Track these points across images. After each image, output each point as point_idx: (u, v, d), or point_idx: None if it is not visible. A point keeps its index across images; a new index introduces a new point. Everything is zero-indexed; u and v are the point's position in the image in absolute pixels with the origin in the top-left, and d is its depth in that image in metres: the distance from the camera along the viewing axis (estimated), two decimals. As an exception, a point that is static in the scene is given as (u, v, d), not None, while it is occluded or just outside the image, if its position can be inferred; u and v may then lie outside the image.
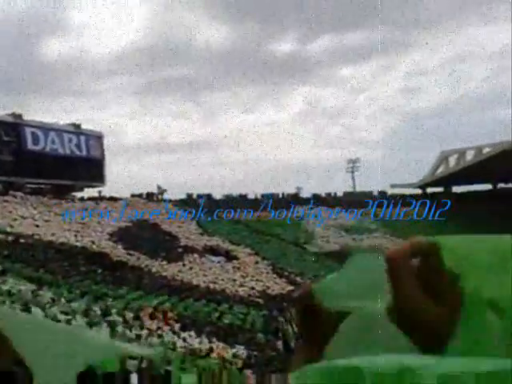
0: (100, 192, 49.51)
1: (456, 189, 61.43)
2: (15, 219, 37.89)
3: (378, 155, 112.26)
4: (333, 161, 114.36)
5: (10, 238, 32.63)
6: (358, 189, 63.82)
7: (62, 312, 19.75)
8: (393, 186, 62.17)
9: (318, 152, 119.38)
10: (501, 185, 61.32)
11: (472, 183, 60.35)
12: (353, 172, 65.68)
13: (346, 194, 61.72)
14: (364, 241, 52.02)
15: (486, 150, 53.31)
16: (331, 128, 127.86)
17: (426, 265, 0.53)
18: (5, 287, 20.84)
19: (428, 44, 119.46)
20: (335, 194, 60.76)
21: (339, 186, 64.77)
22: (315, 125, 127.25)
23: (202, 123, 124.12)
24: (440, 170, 59.04)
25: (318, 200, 58.56)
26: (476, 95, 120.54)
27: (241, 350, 21.78)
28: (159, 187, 53.14)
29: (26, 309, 17.59)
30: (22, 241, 32.79)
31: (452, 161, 57.69)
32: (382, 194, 61.59)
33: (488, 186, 61.49)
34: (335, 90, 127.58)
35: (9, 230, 34.94)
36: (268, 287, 35.42)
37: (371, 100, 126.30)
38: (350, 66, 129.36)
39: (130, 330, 20.50)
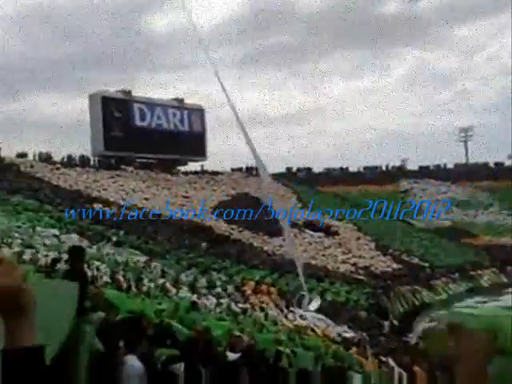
0: (202, 166, 50.60)
1: None
2: (127, 193, 39.78)
3: (494, 122, 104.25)
4: (443, 129, 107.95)
5: (123, 211, 34.26)
6: (471, 160, 59.68)
7: (171, 284, 20.25)
8: (510, 157, 57.38)
9: (427, 120, 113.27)
10: None
11: None
12: (465, 141, 61.37)
13: (458, 165, 57.96)
14: (478, 217, 48.70)
15: None
16: (441, 93, 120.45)
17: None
18: (121, 259, 21.74)
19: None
20: (445, 165, 57.32)
21: (450, 157, 61.02)
22: (424, 90, 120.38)
23: (302, 93, 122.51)
24: None
25: (425, 172, 55.59)
26: None
27: (345, 329, 21.17)
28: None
29: (139, 279, 18.12)
30: (133, 213, 34.30)
31: None
32: (499, 165, 57.09)
33: None
34: (446, 52, 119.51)
35: (122, 203, 36.73)
36: (371, 264, 34.22)
37: (487, 61, 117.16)
38: (462, 25, 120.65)
39: (235, 304, 20.59)
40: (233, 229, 36.42)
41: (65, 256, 14.94)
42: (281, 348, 9.48)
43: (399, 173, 55.66)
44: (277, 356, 7.84)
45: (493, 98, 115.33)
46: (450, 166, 57.66)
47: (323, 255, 34.79)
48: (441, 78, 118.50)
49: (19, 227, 21.81)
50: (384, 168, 56.71)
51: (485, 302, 27.85)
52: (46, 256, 14.93)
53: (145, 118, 48.28)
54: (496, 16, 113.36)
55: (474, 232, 45.64)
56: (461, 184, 53.64)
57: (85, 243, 22.14)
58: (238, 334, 8.95)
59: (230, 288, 22.78)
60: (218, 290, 21.79)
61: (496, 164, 57.53)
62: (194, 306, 12.40)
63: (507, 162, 57.34)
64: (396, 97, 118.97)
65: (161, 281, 20.57)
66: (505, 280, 37.02)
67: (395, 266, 34.52)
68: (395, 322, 24.97)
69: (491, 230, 46.19)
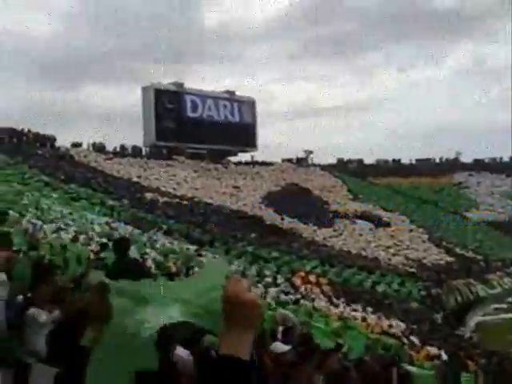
0: (252, 157, 50.88)
1: None
2: (178, 182, 40.50)
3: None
4: (498, 123, 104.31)
5: (174, 200, 34.96)
6: (528, 153, 57.52)
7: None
8: None
9: (482, 113, 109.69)
10: None
11: None
12: (522, 134, 59.24)
13: (514, 159, 56.02)
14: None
15: None
16: (496, 87, 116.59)
17: None
18: (171, 247, 22.28)
19: None
20: (501, 158, 55.46)
21: (505, 150, 58.76)
22: (478, 83, 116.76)
23: (353, 85, 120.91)
24: None
25: (480, 165, 54.01)
26: None
27: (397, 321, 20.98)
28: (307, 151, 52.96)
29: (189, 267, 18.54)
30: (184, 202, 34.94)
31: None
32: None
33: None
34: (503, 45, 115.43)
35: (173, 192, 37.47)
36: (424, 257, 33.71)
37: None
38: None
39: (285, 294, 20.74)
40: (283, 219, 36.58)
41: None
42: (339, 340, 9.57)
43: (453, 165, 54.31)
44: (337, 347, 7.86)
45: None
46: (506, 159, 55.76)
47: (375, 247, 34.50)
48: (495, 71, 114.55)
49: (72, 214, 22.47)
50: (438, 160, 55.44)
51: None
52: (97, 242, 15.53)
53: (196, 109, 48.95)
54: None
55: (530, 226, 44.12)
56: (517, 177, 51.85)
57: (136, 231, 22.85)
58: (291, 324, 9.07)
59: (280, 278, 22.94)
60: (268, 279, 21.99)
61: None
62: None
63: None
64: (450, 90, 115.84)
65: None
66: None
67: (448, 258, 33.90)
68: (449, 315, 24.59)
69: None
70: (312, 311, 17.89)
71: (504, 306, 26.86)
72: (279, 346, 5.59)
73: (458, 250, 36.19)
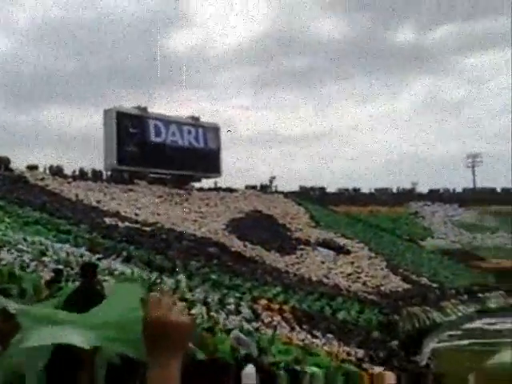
0: (216, 183, 51.16)
1: None
2: (139, 208, 40.21)
3: (502, 150, 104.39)
4: (452, 155, 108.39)
5: (135, 226, 34.67)
6: (479, 185, 60.12)
7: (180, 300, 20.49)
8: (518, 183, 57.81)
9: (436, 145, 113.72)
10: None
11: None
12: (473, 167, 61.96)
13: (466, 190, 58.42)
14: (485, 240, 49.03)
15: None
16: (451, 120, 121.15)
17: None
18: (131, 274, 21.98)
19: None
20: (454, 189, 57.78)
21: (458, 181, 61.35)
22: (434, 117, 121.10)
23: (315, 115, 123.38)
24: None
25: (435, 195, 56.05)
26: None
27: (355, 348, 21.39)
28: (270, 178, 53.60)
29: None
30: (145, 228, 34.68)
31: None
32: (506, 191, 57.50)
33: None
34: (458, 81, 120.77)
35: (134, 217, 37.16)
36: (382, 284, 34.56)
37: (496, 91, 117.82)
38: (473, 55, 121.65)
39: (248, 322, 20.89)
40: (246, 246, 36.84)
41: (70, 269, 15.26)
42: (298, 367, 9.92)
43: (409, 195, 56.11)
44: (294, 375, 8.12)
45: (501, 126, 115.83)
46: (459, 190, 58.07)
47: (335, 274, 35.15)
48: (451, 105, 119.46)
49: (26, 240, 21.55)
50: (395, 190, 57.17)
51: (493, 324, 28.11)
52: (53, 269, 15.15)
53: (160, 134, 48.98)
54: (505, 47, 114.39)
55: (481, 255, 45.90)
56: (469, 208, 54.01)
57: (94, 258, 22.44)
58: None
59: (243, 305, 23.04)
60: (230, 307, 22.07)
61: (503, 189, 57.91)
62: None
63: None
64: (408, 123, 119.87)
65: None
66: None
67: (405, 286, 34.85)
68: (406, 342, 25.21)
69: (498, 253, 46.42)
70: (273, 339, 18.15)
71: (459, 332, 27.76)
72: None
73: (414, 277, 37.25)
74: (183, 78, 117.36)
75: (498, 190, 57.89)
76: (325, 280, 33.19)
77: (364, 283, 34.32)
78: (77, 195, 38.59)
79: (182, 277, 24.90)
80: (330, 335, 22.05)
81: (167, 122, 49.63)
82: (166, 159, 47.31)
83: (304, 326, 22.63)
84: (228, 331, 13.93)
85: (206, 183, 51.30)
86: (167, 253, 29.84)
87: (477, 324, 29.49)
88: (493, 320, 28.72)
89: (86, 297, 5.12)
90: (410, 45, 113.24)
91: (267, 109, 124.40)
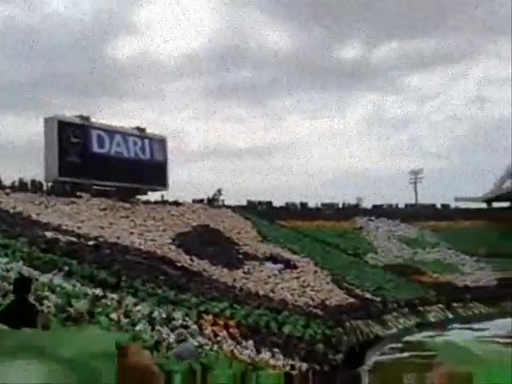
0: (162, 196, 50.56)
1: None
2: (82, 220, 39.15)
3: (442, 167, 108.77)
4: (395, 171, 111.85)
5: (78, 240, 33.70)
6: (421, 201, 62.31)
7: (126, 316, 20.04)
8: (457, 200, 60.31)
9: (381, 161, 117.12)
10: None
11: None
12: (415, 183, 64.20)
13: (408, 205, 60.36)
14: (426, 255, 50.72)
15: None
16: (395, 137, 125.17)
17: None
18: (71, 288, 21.33)
19: (498, 53, 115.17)
20: (397, 205, 59.55)
21: (401, 197, 63.27)
22: (379, 133, 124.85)
23: (265, 129, 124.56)
24: (507, 184, 56.76)
25: (379, 211, 57.57)
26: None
27: (299, 362, 21.54)
28: (217, 192, 53.30)
29: (90, 313, 17.87)
30: (88, 242, 33.78)
31: (520, 175, 55.37)
32: (445, 206, 59.86)
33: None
34: (401, 98, 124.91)
35: (76, 230, 36.13)
36: (327, 298, 35.04)
37: (437, 109, 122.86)
38: (416, 73, 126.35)
39: (192, 337, 20.65)
40: (192, 260, 36.52)
41: (8, 285, 14.65)
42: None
43: (355, 210, 57.40)
44: None
45: (442, 144, 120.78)
46: (401, 205, 59.90)
47: (282, 288, 35.35)
48: (395, 122, 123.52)
49: None
50: (341, 205, 58.34)
51: (432, 337, 29.00)
52: None
53: (103, 145, 47.93)
54: (448, 66, 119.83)
55: (422, 269, 47.40)
56: (410, 223, 55.78)
57: (34, 272, 21.60)
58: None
59: (189, 321, 22.78)
60: (176, 323, 21.78)
61: (443, 206, 60.19)
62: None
63: (453, 204, 60.22)
64: (354, 139, 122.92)
65: (114, 313, 20.33)
66: (450, 316, 38.61)
67: (350, 299, 35.46)
68: (349, 355, 25.61)
69: (438, 268, 48.09)
70: (219, 354, 17.99)
71: (399, 345, 28.46)
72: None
73: (358, 291, 37.97)
74: (129, 87, 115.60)
75: (438, 205, 60.12)
76: (271, 294, 33.30)
77: (310, 297, 34.68)
78: (15, 207, 37.20)
79: (125, 292, 24.38)
80: (275, 349, 22.14)
81: (111, 132, 48.67)
82: (110, 171, 46.35)
83: (250, 341, 22.60)
84: (173, 347, 13.73)
85: (152, 196, 50.67)
86: (111, 267, 29.16)
87: (416, 337, 30.33)
88: (432, 333, 29.59)
89: (19, 312, 4.75)
90: (357, 61, 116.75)
91: (216, 121, 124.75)
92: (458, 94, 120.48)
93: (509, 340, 28.87)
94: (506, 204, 58.93)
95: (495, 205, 59.33)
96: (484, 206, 59.48)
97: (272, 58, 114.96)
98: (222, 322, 24.23)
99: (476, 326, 35.07)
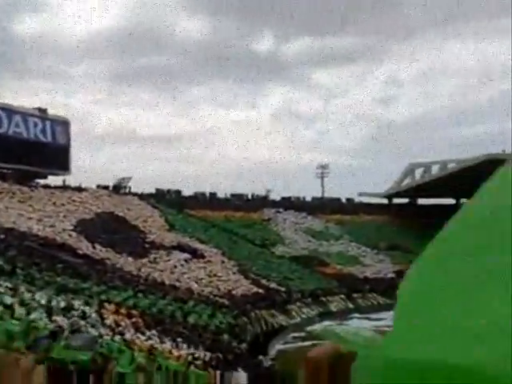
0: (64, 181, 48.23)
1: (421, 201, 62.51)
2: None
3: (348, 162, 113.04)
4: (304, 165, 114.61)
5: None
6: (327, 195, 64.28)
7: (21, 304, 18.89)
8: (360, 195, 62.88)
9: (290, 155, 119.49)
10: (463, 200, 62.63)
11: (436, 197, 61.50)
12: (322, 177, 66.17)
13: (315, 199, 62.01)
14: (330, 247, 52.39)
15: (450, 165, 54.48)
16: (304, 131, 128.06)
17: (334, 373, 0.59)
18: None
19: (405, 55, 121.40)
20: (304, 198, 60.97)
21: (309, 190, 64.91)
22: (289, 127, 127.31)
23: (175, 117, 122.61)
24: (406, 181, 59.98)
25: (287, 203, 58.64)
26: (446, 111, 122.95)
27: (203, 352, 21.36)
28: (125, 179, 51.81)
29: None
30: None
31: (418, 173, 58.68)
32: (350, 201, 62.19)
33: (451, 201, 62.71)
34: (311, 94, 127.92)
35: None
36: (233, 288, 35.10)
37: (345, 107, 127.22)
38: (326, 70, 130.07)
39: (92, 327, 19.80)
40: (95, 248, 35.07)
41: None
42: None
43: (263, 202, 58.07)
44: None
45: (349, 141, 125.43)
46: (308, 199, 61.44)
47: (188, 278, 34.93)
48: (304, 117, 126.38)
49: None
50: (250, 196, 58.75)
51: (333, 326, 29.97)
52: None
53: (1, 124, 44.94)
54: (356, 65, 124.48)
55: (326, 261, 48.92)
56: (317, 216, 57.38)
57: None
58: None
59: (89, 310, 21.88)
60: (76, 312, 20.82)
61: (347, 200, 62.51)
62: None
63: (357, 199, 62.75)
64: (264, 131, 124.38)
65: (9, 301, 19.15)
66: (351, 306, 40.18)
67: (255, 289, 35.75)
68: (253, 344, 25.79)
69: (341, 260, 49.89)
70: (121, 345, 17.38)
71: (302, 334, 29.11)
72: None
73: (264, 282, 38.41)
74: (33, 66, 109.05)
75: (343, 200, 62.35)
76: (177, 284, 32.81)
77: (216, 287, 34.56)
78: None
79: (21, 280, 22.97)
80: (179, 339, 21.83)
81: (10, 111, 45.63)
82: (8, 152, 43.42)
83: (153, 331, 22.08)
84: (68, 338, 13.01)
85: (53, 181, 48.16)
86: (6, 254, 27.37)
87: (318, 326, 31.20)
88: (333, 322, 30.54)
89: None
90: (270, 54, 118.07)
91: (123, 106, 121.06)
92: (364, 93, 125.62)
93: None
94: (405, 200, 62.30)
95: (395, 201, 62.46)
96: (385, 201, 62.44)
97: (185, 46, 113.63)
98: (124, 312, 23.51)
99: (374, 316, 36.80)
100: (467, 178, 51.62)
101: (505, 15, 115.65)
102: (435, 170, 56.46)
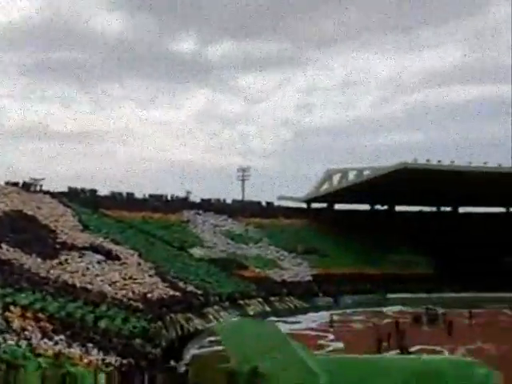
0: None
1: (338, 206, 64.32)
2: None
3: (269, 166, 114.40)
4: (224, 167, 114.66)
5: None
6: (247, 198, 64.64)
7: None
8: (280, 198, 63.76)
9: (211, 157, 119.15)
10: (378, 206, 65.23)
11: (352, 202, 63.58)
12: (243, 180, 66.46)
13: (235, 201, 62.13)
14: (249, 250, 52.62)
15: (366, 173, 56.55)
16: (226, 134, 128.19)
17: None
18: None
19: (326, 63, 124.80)
20: (224, 200, 60.92)
21: (229, 193, 64.83)
22: (210, 129, 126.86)
23: (91, 114, 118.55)
24: (325, 186, 61.52)
25: (207, 205, 58.30)
26: (363, 119, 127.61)
27: (114, 357, 20.65)
28: (37, 179, 49.49)
29: None
30: None
31: (336, 179, 60.33)
32: (270, 204, 62.86)
33: (367, 207, 65.07)
34: (233, 97, 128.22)
35: None
36: (149, 291, 34.29)
37: (267, 111, 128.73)
38: (249, 74, 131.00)
39: (-2, 332, 18.60)
40: (1, 247, 33.02)
41: None
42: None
43: (183, 203, 57.41)
44: None
45: (270, 145, 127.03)
46: (229, 201, 61.46)
47: (102, 280, 33.70)
48: (226, 119, 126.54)
49: None
50: (169, 197, 57.87)
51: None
52: None
53: None
54: (278, 70, 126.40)
55: (245, 264, 49.12)
56: (237, 219, 57.52)
57: None
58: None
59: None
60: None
61: (267, 203, 63.17)
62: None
63: (276, 203, 63.55)
64: (185, 132, 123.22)
65: None
66: (268, 309, 40.57)
67: (172, 292, 35.14)
68: (167, 349, 25.29)
69: (259, 263, 50.29)
70: (26, 350, 16.52)
71: (218, 338, 28.87)
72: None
73: (181, 284, 37.87)
74: None
75: (263, 203, 62.90)
76: (89, 287, 31.56)
77: (131, 290, 33.59)
78: None
79: None
80: (89, 344, 21.00)
81: None
82: None
83: (62, 336, 21.08)
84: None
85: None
86: None
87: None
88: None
89: None
90: (193, 55, 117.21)
91: (36, 101, 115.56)
92: (286, 97, 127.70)
93: (320, 332, 31.24)
94: (323, 205, 63.85)
95: (314, 205, 63.86)
96: (304, 205, 63.67)
97: (104, 42, 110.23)
98: (31, 315, 22.32)
99: (290, 319, 37.36)
100: (381, 185, 54.05)
101: (420, 28, 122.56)
102: (352, 176, 58.29)
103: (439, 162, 51.12)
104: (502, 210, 65.86)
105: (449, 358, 16.97)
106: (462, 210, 65.82)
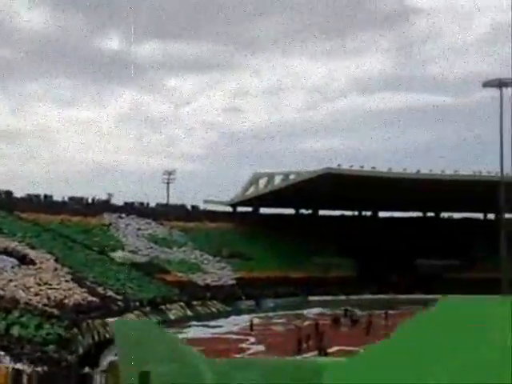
0: None
1: (263, 210, 64.89)
2: None
3: (195, 169, 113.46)
4: (149, 169, 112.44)
5: None
6: (172, 201, 63.81)
7: None
8: (205, 202, 63.47)
9: (135, 159, 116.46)
10: (302, 210, 66.46)
11: (278, 206, 64.39)
12: (168, 183, 65.56)
13: (159, 205, 61.15)
14: (173, 254, 51.91)
15: (292, 177, 57.42)
16: (151, 136, 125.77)
17: None
18: None
19: (255, 67, 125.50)
20: (148, 204, 59.79)
21: (153, 196, 63.62)
22: (135, 130, 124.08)
23: (8, 112, 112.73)
24: (251, 190, 61.87)
25: (129, 208, 56.97)
26: (291, 124, 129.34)
27: (27, 365, 19.71)
28: None
29: None
30: None
31: (262, 183, 60.85)
32: (195, 208, 62.42)
33: (291, 211, 66.10)
34: (159, 98, 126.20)
35: None
36: (66, 296, 32.97)
37: (194, 113, 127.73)
38: (177, 75, 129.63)
39: None
40: None
41: None
42: None
43: (104, 206, 55.79)
44: None
45: (196, 148, 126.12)
46: (153, 204, 60.38)
47: (15, 285, 32.04)
48: (152, 121, 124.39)
49: None
50: (90, 200, 56.04)
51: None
52: None
53: None
54: (207, 73, 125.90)
55: (167, 268, 48.38)
56: (161, 222, 56.62)
57: None
58: None
59: None
60: None
61: (192, 207, 62.67)
62: None
63: (202, 206, 63.20)
64: (108, 133, 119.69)
65: None
66: (190, 313, 40.17)
67: (90, 298, 34.00)
68: (84, 356, 24.41)
69: (183, 267, 49.73)
70: None
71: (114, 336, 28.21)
72: None
73: (100, 290, 36.72)
74: None
75: (188, 206, 62.35)
76: (1, 292, 29.94)
77: (46, 296, 32.17)
78: None
79: None
80: (1, 352, 19.98)
81: None
82: None
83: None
84: None
85: None
86: None
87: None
88: (172, 330, 30.19)
89: None
90: (119, 55, 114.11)
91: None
92: (214, 101, 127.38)
93: (242, 336, 31.30)
94: (249, 209, 64.19)
95: (240, 209, 64.05)
96: (230, 209, 63.71)
97: (24, 38, 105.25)
98: None
99: (212, 323, 37.17)
100: (306, 190, 55.08)
101: (351, 36, 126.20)
102: (278, 180, 58.93)
103: (362, 167, 52.83)
104: (419, 214, 69.05)
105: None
106: (381, 214, 68.33)
